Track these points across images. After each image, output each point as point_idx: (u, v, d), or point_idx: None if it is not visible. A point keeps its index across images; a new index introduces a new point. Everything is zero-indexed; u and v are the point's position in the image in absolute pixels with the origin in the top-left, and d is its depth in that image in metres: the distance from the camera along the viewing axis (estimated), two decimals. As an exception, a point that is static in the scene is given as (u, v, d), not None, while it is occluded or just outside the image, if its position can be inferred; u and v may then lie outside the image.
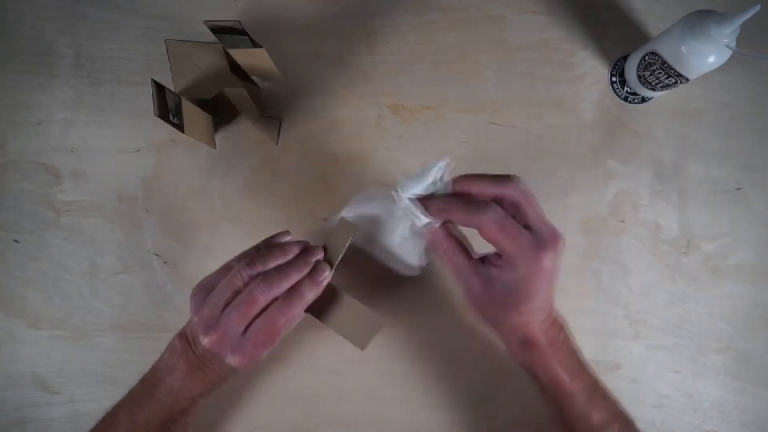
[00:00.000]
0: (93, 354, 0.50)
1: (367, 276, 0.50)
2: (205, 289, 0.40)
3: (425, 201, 0.38)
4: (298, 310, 0.39)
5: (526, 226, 0.36)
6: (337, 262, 0.41)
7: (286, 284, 0.39)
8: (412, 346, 0.49)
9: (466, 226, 0.37)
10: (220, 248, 0.50)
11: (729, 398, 0.49)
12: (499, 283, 0.37)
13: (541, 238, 0.35)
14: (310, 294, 0.39)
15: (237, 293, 0.39)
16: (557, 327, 0.40)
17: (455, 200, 0.37)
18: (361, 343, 0.41)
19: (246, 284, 0.39)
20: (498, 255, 0.37)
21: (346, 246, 0.42)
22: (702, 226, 0.50)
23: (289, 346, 0.49)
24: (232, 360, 0.39)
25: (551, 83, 0.52)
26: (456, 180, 0.38)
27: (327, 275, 0.40)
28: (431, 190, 0.38)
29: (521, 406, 0.48)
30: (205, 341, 0.38)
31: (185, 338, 0.40)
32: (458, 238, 0.39)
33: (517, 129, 0.51)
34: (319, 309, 0.41)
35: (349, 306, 0.42)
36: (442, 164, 0.37)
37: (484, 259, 0.38)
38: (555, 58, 0.52)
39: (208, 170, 0.51)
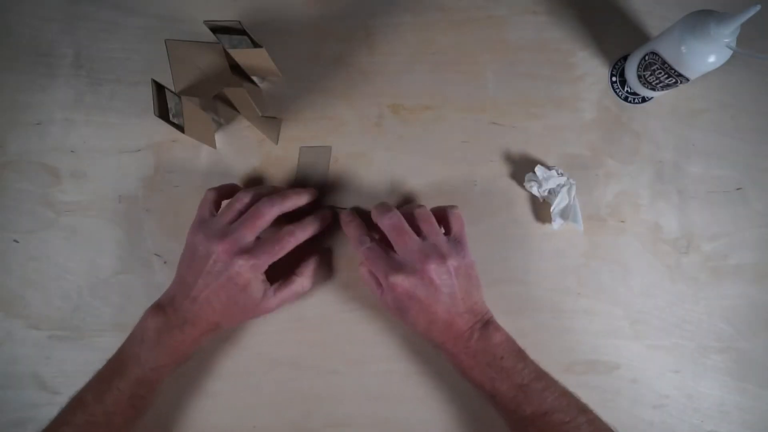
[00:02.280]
0: (93, 354, 0.49)
1: (367, 276, 0.50)
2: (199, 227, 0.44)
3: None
4: (305, 233, 0.44)
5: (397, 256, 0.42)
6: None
7: (288, 203, 0.44)
8: (412, 346, 0.49)
9: (375, 223, 0.43)
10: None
11: (729, 398, 0.49)
12: (388, 304, 0.43)
13: (402, 265, 0.41)
14: (316, 224, 0.45)
15: (240, 214, 0.43)
16: (472, 338, 0.41)
17: (352, 223, 0.45)
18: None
19: (248, 206, 0.44)
20: None
21: (328, 164, 0.49)
22: (702, 226, 0.50)
23: (289, 346, 0.49)
24: (245, 262, 0.41)
25: (551, 83, 0.52)
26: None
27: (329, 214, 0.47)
28: None
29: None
30: (218, 249, 0.41)
31: (159, 307, 0.43)
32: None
33: (517, 129, 0.51)
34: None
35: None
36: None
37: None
38: (555, 58, 0.52)
39: (208, 170, 0.51)
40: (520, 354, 0.42)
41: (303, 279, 0.46)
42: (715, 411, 0.49)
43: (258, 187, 0.47)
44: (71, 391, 0.49)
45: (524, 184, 0.50)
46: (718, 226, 0.50)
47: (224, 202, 0.47)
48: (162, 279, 0.50)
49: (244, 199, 0.44)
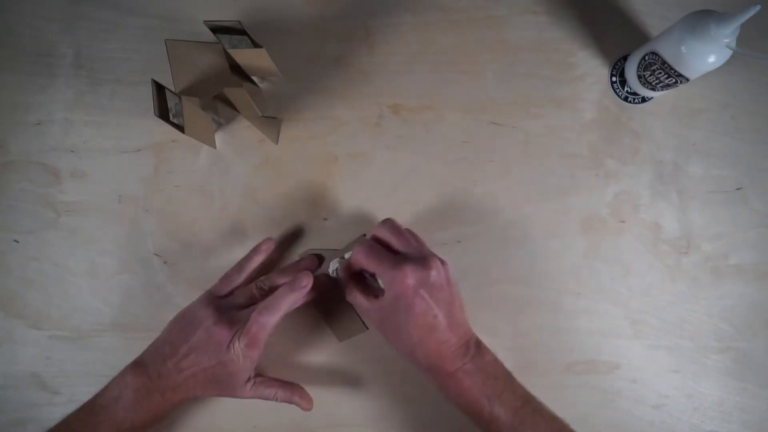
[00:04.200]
0: (93, 354, 0.50)
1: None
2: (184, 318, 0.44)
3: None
4: (274, 316, 0.41)
5: (399, 254, 0.40)
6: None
7: (294, 302, 0.42)
8: (412, 346, 0.49)
9: (375, 236, 0.42)
10: (220, 248, 0.50)
11: (729, 398, 0.49)
12: (385, 308, 0.40)
13: (406, 257, 0.39)
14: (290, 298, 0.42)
15: (253, 299, 0.44)
16: (468, 354, 0.40)
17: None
18: (341, 337, 0.49)
19: (263, 294, 0.45)
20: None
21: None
22: (702, 226, 0.50)
23: (289, 346, 0.49)
24: (242, 353, 0.41)
25: (551, 83, 0.52)
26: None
27: (307, 283, 0.42)
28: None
29: None
30: (222, 333, 0.41)
31: (141, 366, 0.42)
32: (361, 284, 0.43)
33: (517, 129, 0.51)
34: (319, 301, 0.48)
35: (343, 305, 0.47)
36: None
37: (377, 295, 0.41)
38: (555, 58, 0.52)
39: (208, 170, 0.51)
40: (508, 374, 0.41)
41: (280, 392, 0.45)
42: (715, 411, 0.49)
43: (273, 274, 0.46)
44: (71, 391, 0.49)
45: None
46: (718, 226, 0.50)
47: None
48: (162, 279, 0.50)
49: (259, 285, 0.45)
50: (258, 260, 0.48)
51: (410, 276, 0.38)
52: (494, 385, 0.39)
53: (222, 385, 0.42)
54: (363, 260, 0.40)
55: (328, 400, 0.49)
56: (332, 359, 0.49)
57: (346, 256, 0.45)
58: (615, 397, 0.49)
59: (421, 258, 0.39)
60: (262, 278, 0.46)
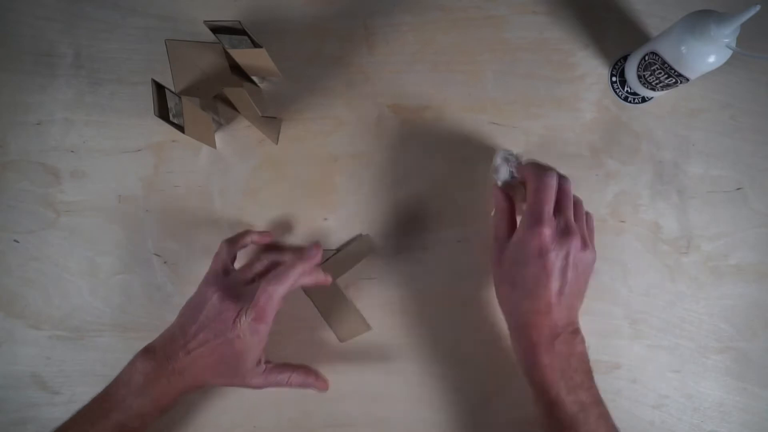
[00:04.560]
0: (93, 354, 0.50)
1: (368, 278, 0.50)
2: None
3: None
4: (283, 285, 0.41)
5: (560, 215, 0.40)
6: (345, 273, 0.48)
7: (298, 277, 0.42)
8: (411, 346, 0.49)
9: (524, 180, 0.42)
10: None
11: (729, 398, 0.49)
12: (510, 247, 0.40)
13: (580, 228, 0.40)
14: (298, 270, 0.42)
15: (258, 275, 0.45)
16: (560, 336, 0.39)
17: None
18: (343, 337, 0.48)
19: (267, 267, 0.46)
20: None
21: (360, 261, 0.49)
22: (702, 226, 0.50)
23: (289, 346, 0.49)
24: (248, 329, 0.40)
25: (551, 83, 0.52)
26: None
27: (316, 253, 0.45)
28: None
29: (521, 406, 0.48)
30: (227, 308, 0.41)
31: (150, 351, 0.41)
32: (512, 209, 0.43)
33: (517, 129, 0.51)
34: (319, 298, 0.48)
35: (345, 304, 0.48)
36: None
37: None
38: (555, 58, 0.52)
39: (208, 170, 0.51)
40: (590, 374, 0.41)
41: (294, 376, 0.44)
42: (715, 411, 0.49)
43: (276, 251, 0.47)
44: (71, 391, 0.49)
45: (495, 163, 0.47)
46: (718, 226, 0.50)
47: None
48: (162, 279, 0.50)
49: (264, 260, 0.46)
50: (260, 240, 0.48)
51: (544, 235, 0.39)
52: (572, 377, 0.39)
53: (231, 368, 0.41)
54: (531, 189, 0.41)
55: (328, 400, 0.49)
56: (332, 359, 0.49)
57: (519, 157, 0.45)
58: (615, 397, 0.49)
59: (565, 231, 0.40)
60: (266, 253, 0.46)
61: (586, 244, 0.41)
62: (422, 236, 0.50)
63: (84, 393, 0.49)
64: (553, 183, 0.41)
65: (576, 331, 0.41)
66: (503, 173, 0.45)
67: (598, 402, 0.40)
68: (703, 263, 0.50)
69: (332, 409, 0.49)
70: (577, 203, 0.43)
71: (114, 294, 0.50)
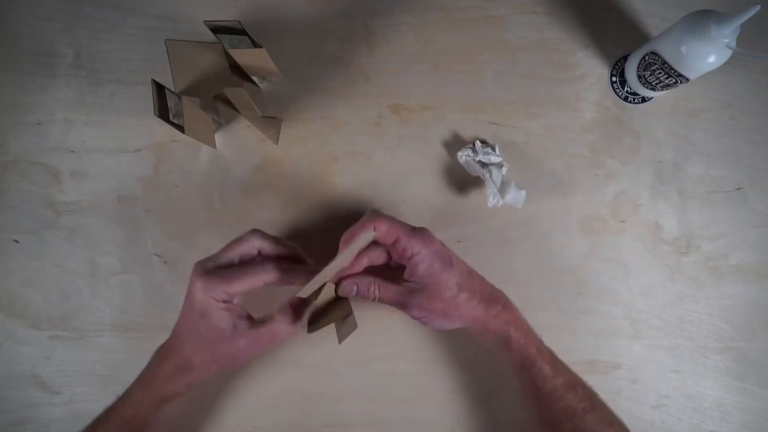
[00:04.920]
0: (93, 354, 0.50)
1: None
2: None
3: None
4: (277, 273, 0.40)
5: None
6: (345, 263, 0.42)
7: (278, 246, 0.42)
8: (411, 346, 0.49)
9: (386, 243, 0.41)
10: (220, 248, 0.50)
11: (729, 398, 0.49)
12: (423, 280, 0.40)
13: (415, 228, 0.40)
14: (298, 272, 0.41)
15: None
16: (501, 293, 0.43)
17: (346, 245, 0.40)
18: (340, 339, 0.43)
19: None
20: (406, 267, 0.40)
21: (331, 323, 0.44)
22: (702, 226, 0.50)
23: (289, 346, 0.49)
24: (198, 283, 0.39)
25: (551, 83, 0.52)
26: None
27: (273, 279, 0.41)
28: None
29: (521, 406, 0.48)
30: (192, 275, 0.40)
31: (164, 345, 0.43)
32: (377, 277, 0.42)
33: (517, 129, 0.51)
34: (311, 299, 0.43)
35: (336, 306, 0.44)
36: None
37: (403, 282, 0.41)
38: (555, 58, 0.52)
39: (208, 170, 0.51)
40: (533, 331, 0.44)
41: (276, 322, 0.40)
42: (715, 411, 0.49)
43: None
44: (71, 391, 0.49)
45: (458, 154, 0.50)
46: (718, 226, 0.50)
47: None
48: (162, 279, 0.50)
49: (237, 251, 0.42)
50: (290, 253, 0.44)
51: (431, 235, 0.40)
52: (535, 336, 0.43)
53: (204, 336, 0.40)
54: (386, 226, 0.39)
55: (328, 400, 0.49)
56: (332, 359, 0.49)
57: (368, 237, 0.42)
58: (615, 397, 0.49)
59: (419, 228, 0.41)
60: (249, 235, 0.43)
61: (424, 228, 0.41)
62: (422, 236, 0.50)
63: (84, 393, 0.49)
64: (383, 219, 0.40)
65: (508, 301, 0.44)
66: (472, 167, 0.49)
67: (551, 351, 0.43)
68: (703, 263, 0.50)
69: (332, 409, 0.49)
70: (389, 217, 0.41)
71: (114, 294, 0.50)
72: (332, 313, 0.43)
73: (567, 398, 0.40)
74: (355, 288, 0.41)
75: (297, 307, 0.42)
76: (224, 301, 0.39)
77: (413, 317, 0.42)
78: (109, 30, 0.53)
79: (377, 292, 0.41)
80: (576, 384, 0.42)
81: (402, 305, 0.41)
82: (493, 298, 0.43)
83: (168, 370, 0.41)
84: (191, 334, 0.41)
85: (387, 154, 0.51)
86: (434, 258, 0.40)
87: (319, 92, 0.52)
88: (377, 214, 0.40)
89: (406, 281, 0.41)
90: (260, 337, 0.40)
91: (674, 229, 0.50)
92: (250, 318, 0.41)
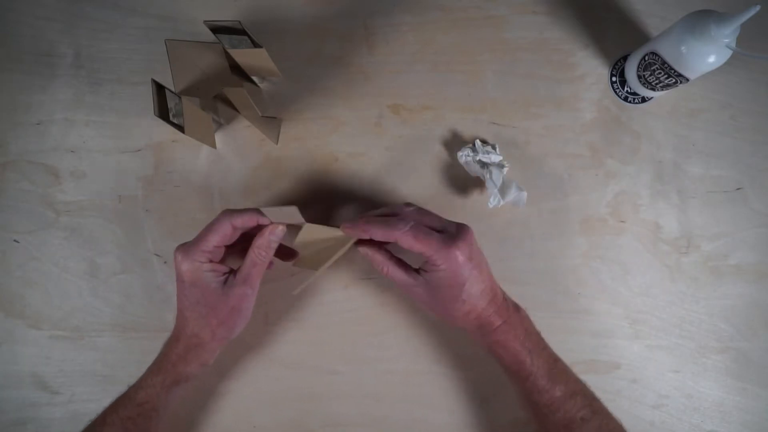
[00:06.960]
0: (93, 354, 0.50)
1: (366, 278, 0.50)
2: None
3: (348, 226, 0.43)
4: (243, 218, 0.41)
5: (435, 230, 0.41)
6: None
7: (248, 216, 0.42)
8: (411, 347, 0.49)
9: (388, 241, 0.41)
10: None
11: (729, 398, 0.49)
12: (434, 283, 0.41)
13: (450, 234, 0.41)
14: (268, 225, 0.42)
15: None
16: (509, 309, 0.43)
17: (374, 220, 0.42)
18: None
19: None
20: (426, 261, 0.41)
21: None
22: (702, 226, 0.50)
23: (289, 345, 0.49)
24: (178, 255, 0.42)
25: (551, 83, 0.52)
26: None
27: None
28: None
29: (521, 406, 0.48)
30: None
31: (170, 334, 0.44)
32: (396, 257, 0.43)
33: (517, 129, 0.51)
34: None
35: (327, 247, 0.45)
36: None
37: (419, 270, 0.42)
38: (555, 58, 0.52)
39: (208, 170, 0.51)
40: (540, 334, 0.44)
41: (254, 248, 0.42)
42: (715, 411, 0.49)
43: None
44: (71, 391, 0.49)
45: (458, 153, 0.49)
46: (718, 226, 0.50)
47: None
48: (162, 279, 0.50)
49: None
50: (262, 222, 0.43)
51: (461, 253, 0.40)
52: (530, 340, 0.42)
53: (203, 303, 0.41)
54: (414, 243, 0.40)
55: (327, 400, 0.49)
56: (332, 359, 0.49)
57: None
58: (615, 397, 0.49)
59: (457, 230, 0.41)
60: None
61: (466, 232, 0.41)
62: (422, 236, 0.50)
63: (84, 393, 0.49)
64: (413, 231, 0.40)
65: (503, 303, 0.43)
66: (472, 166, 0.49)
67: (557, 358, 0.43)
68: (703, 263, 0.50)
69: (332, 408, 0.49)
70: (427, 212, 0.44)
71: (114, 294, 0.50)
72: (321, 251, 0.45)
73: (564, 409, 0.40)
74: (369, 254, 0.44)
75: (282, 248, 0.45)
76: (209, 261, 0.41)
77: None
78: (109, 30, 0.53)
79: (387, 271, 0.43)
80: (576, 393, 0.41)
81: (406, 290, 0.44)
82: (499, 313, 0.42)
83: (180, 352, 0.42)
84: (191, 307, 0.42)
85: (387, 154, 0.51)
86: (455, 277, 0.40)
87: (319, 92, 0.52)
88: (411, 228, 0.40)
89: (420, 269, 0.42)
90: (250, 277, 0.42)
91: (674, 229, 0.50)
92: (235, 271, 0.43)
